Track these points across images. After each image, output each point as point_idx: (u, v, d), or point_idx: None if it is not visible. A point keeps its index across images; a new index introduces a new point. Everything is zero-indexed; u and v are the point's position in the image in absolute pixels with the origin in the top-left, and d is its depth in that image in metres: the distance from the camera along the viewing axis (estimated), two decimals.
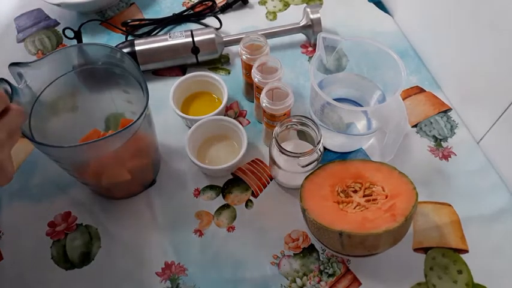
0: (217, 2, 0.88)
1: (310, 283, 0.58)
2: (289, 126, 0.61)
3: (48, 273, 0.60)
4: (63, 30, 0.78)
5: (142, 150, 0.61)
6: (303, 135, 0.65)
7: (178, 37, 0.75)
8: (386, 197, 0.56)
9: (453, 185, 0.65)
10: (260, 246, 0.61)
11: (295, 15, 0.85)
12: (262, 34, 0.68)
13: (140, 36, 0.83)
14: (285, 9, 0.87)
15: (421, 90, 0.75)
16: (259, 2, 0.88)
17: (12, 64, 0.50)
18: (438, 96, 0.74)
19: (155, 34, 0.84)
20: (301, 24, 0.79)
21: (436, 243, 0.60)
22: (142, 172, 0.64)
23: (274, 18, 0.86)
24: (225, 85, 0.70)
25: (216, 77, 0.72)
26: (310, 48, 0.81)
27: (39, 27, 0.87)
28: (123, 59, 0.56)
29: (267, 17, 0.86)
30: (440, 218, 0.62)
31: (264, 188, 0.66)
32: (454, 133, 0.70)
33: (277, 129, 0.59)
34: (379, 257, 0.57)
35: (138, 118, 0.50)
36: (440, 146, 0.69)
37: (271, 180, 0.67)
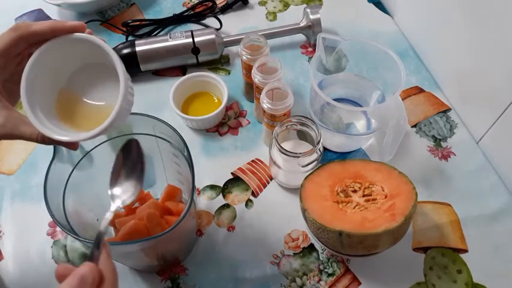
0: (217, 3, 0.88)
1: (310, 282, 0.59)
2: (289, 126, 0.61)
3: (48, 273, 0.60)
4: None
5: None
6: (302, 135, 0.65)
7: (178, 37, 0.76)
8: (385, 197, 0.56)
9: (452, 184, 0.65)
10: (260, 246, 0.61)
11: (295, 15, 0.85)
12: (262, 34, 0.68)
13: (141, 37, 0.83)
14: (285, 10, 0.87)
15: (420, 91, 0.75)
16: (259, 3, 0.89)
17: None
18: (438, 96, 0.74)
19: (155, 34, 0.84)
20: (301, 25, 0.79)
21: (436, 243, 0.61)
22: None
23: (274, 18, 0.86)
24: (225, 85, 0.70)
25: (216, 77, 0.72)
26: (310, 49, 0.81)
27: None
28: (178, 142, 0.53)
29: (267, 17, 0.86)
30: (439, 217, 0.62)
31: (264, 188, 0.66)
32: (454, 133, 0.70)
33: (277, 129, 0.59)
34: (379, 256, 0.57)
35: (183, 217, 0.45)
36: (439, 146, 0.69)
37: (271, 180, 0.67)
